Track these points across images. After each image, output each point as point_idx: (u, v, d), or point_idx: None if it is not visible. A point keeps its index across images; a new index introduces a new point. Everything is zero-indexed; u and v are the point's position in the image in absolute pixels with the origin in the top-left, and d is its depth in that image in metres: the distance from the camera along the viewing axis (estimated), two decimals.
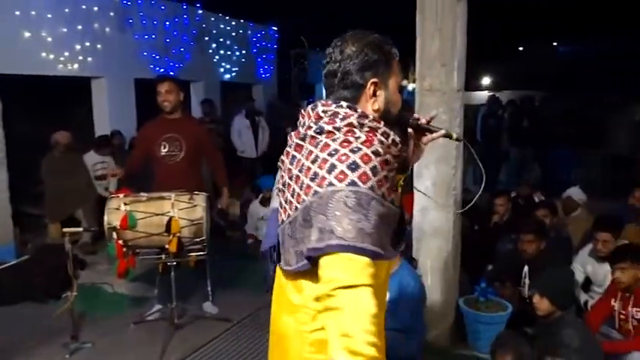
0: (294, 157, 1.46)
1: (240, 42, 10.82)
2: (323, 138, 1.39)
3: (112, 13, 7.45)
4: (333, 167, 1.31)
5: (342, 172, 1.29)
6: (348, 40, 1.43)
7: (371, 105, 1.44)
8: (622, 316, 3.48)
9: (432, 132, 1.56)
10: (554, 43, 27.61)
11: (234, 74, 10.65)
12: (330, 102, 1.44)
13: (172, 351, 3.64)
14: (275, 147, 8.39)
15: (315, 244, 1.27)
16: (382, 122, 1.42)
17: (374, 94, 1.43)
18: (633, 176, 7.75)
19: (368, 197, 1.27)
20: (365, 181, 1.28)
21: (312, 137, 1.42)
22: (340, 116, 1.40)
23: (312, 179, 1.34)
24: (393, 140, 1.42)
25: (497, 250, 4.72)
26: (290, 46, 16.82)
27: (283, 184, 1.49)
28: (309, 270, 1.35)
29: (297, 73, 17.52)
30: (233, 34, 10.59)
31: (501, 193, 5.51)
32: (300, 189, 1.37)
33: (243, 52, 10.97)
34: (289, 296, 1.50)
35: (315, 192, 1.31)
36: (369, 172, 1.29)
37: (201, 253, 3.82)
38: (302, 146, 1.44)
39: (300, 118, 1.51)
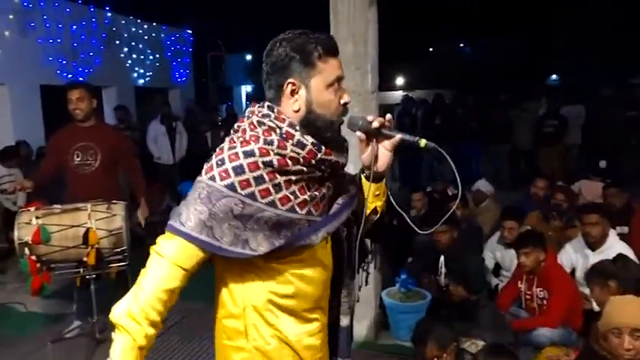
0: None
1: (153, 45, 10.54)
2: (231, 135, 1.47)
3: (11, 16, 7.01)
4: (208, 160, 1.41)
5: (210, 165, 1.39)
6: (275, 42, 1.44)
7: (291, 106, 1.42)
8: (527, 297, 3.79)
9: (389, 137, 1.51)
10: (461, 44, 29.16)
11: (148, 79, 10.35)
12: (257, 103, 1.47)
13: None
14: (194, 152, 8.26)
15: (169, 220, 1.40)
16: (293, 123, 1.41)
17: (292, 95, 1.41)
18: (534, 168, 8.39)
19: (220, 194, 1.35)
20: (223, 179, 1.35)
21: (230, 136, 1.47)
22: (251, 116, 1.44)
23: None
24: (299, 142, 1.39)
25: (416, 243, 4.96)
26: (206, 49, 16.56)
27: None
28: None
29: (214, 77, 17.31)
30: (145, 37, 10.30)
31: (418, 188, 5.77)
32: None
33: (157, 55, 10.70)
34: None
35: None
36: (231, 171, 1.35)
37: (123, 263, 3.71)
38: None
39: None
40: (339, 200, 1.53)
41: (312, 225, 1.45)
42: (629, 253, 3.73)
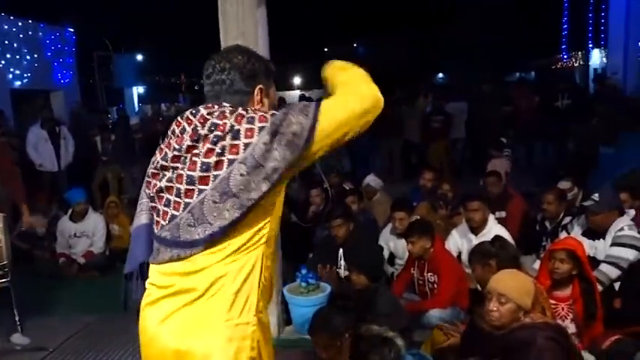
0: (184, 159, 1.48)
1: (30, 45, 9.78)
2: (229, 121, 1.46)
3: None
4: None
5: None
6: (234, 51, 1.60)
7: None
8: (420, 282, 4.03)
9: None
10: (354, 44, 30.12)
11: (26, 80, 9.59)
12: (213, 105, 1.52)
13: None
14: (82, 158, 7.80)
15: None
16: None
17: (261, 100, 1.59)
18: (423, 160, 8.89)
19: None
20: None
21: (206, 136, 1.46)
22: (227, 111, 1.49)
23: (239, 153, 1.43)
24: None
25: (315, 238, 5.07)
26: (92, 48, 15.65)
27: (160, 190, 1.53)
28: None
29: (102, 78, 16.39)
30: (21, 35, 9.53)
31: (315, 184, 5.89)
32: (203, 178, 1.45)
33: (36, 55, 9.94)
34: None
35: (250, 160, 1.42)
36: None
37: (3, 280, 3.43)
38: (196, 146, 1.47)
39: (175, 126, 1.56)
40: None
41: None
42: (506, 234, 4.09)
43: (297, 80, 28.02)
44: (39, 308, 4.42)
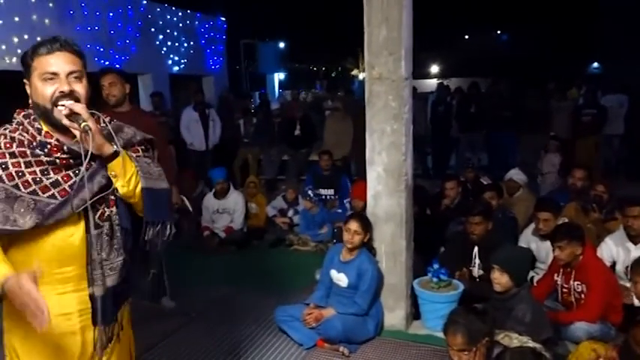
0: None
1: (187, 33, 10.62)
2: None
3: (50, 4, 7.16)
4: None
5: None
6: None
7: (31, 100, 1.72)
8: (565, 290, 3.69)
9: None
10: (498, 32, 28.48)
11: (182, 66, 10.45)
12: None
13: None
14: (227, 139, 8.33)
15: None
16: (30, 113, 1.72)
17: (30, 92, 1.70)
18: (572, 158, 8.13)
19: None
20: None
21: None
22: None
23: None
24: (25, 127, 1.70)
25: (449, 233, 4.88)
26: (239, 37, 16.64)
27: None
28: None
29: (247, 64, 17.39)
30: (180, 25, 10.38)
31: (451, 177, 5.68)
32: None
33: (192, 43, 10.77)
34: None
35: None
36: None
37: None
38: None
39: None
40: (73, 182, 1.67)
41: (58, 202, 1.64)
42: None
43: (434, 68, 27.26)
44: (184, 277, 4.81)
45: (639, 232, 3.73)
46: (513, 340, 2.29)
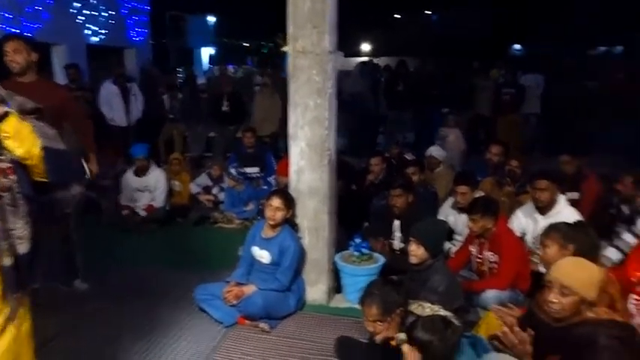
0: None
1: (107, 2, 10.03)
2: None
3: None
4: None
5: None
6: None
7: None
8: (479, 260, 3.84)
9: None
10: (428, 12, 29.05)
11: (102, 37, 9.89)
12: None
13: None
14: (150, 115, 8.01)
15: None
16: None
17: None
18: (491, 135, 8.48)
19: None
20: None
21: None
22: None
23: None
24: None
25: (373, 207, 4.96)
26: (165, 8, 15.93)
27: None
28: None
29: (174, 38, 16.72)
30: None
31: (375, 154, 5.75)
32: None
33: (112, 12, 10.20)
34: None
35: None
36: None
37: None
38: None
39: None
40: None
41: None
42: (577, 217, 3.81)
43: (365, 47, 27.43)
44: (102, 257, 4.60)
45: (546, 204, 3.93)
46: (426, 309, 2.35)
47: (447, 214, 4.56)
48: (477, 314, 3.42)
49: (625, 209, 4.33)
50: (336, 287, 3.97)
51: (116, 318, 3.61)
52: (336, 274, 3.92)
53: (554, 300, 2.18)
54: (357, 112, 9.29)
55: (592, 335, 2.11)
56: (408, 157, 6.31)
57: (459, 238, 4.37)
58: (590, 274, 2.21)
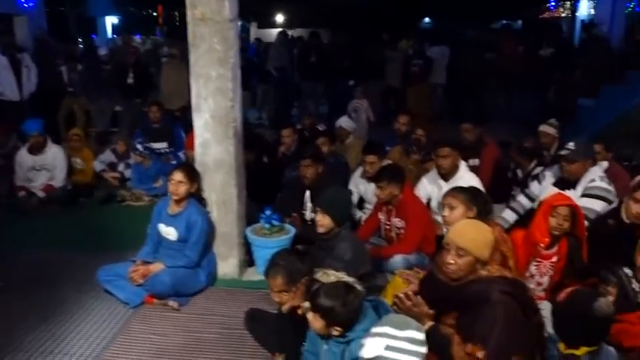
0: None
1: None
2: None
3: None
4: None
5: None
6: None
7: None
8: (387, 226, 3.96)
9: None
10: None
11: None
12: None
13: None
14: (47, 88, 7.44)
15: None
16: None
17: None
18: (402, 105, 8.71)
19: None
20: None
21: None
22: None
23: None
24: None
25: (285, 179, 4.95)
26: None
27: None
28: None
29: (73, 5, 15.50)
30: None
31: (287, 125, 5.71)
32: None
33: None
34: None
35: None
36: None
37: None
38: None
39: None
40: None
41: None
42: (477, 182, 4.02)
43: (279, 18, 27.06)
44: None
45: (448, 171, 4.10)
46: (330, 276, 2.37)
47: (357, 183, 4.64)
48: (386, 278, 3.54)
49: (519, 173, 4.63)
50: (249, 260, 3.94)
51: (16, 304, 3.39)
52: (248, 247, 3.88)
53: (451, 261, 2.29)
54: (281, 86, 9.22)
55: (485, 292, 2.23)
56: (320, 128, 6.34)
57: (369, 207, 4.46)
58: (483, 236, 2.33)
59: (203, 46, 3.44)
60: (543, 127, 4.79)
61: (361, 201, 4.68)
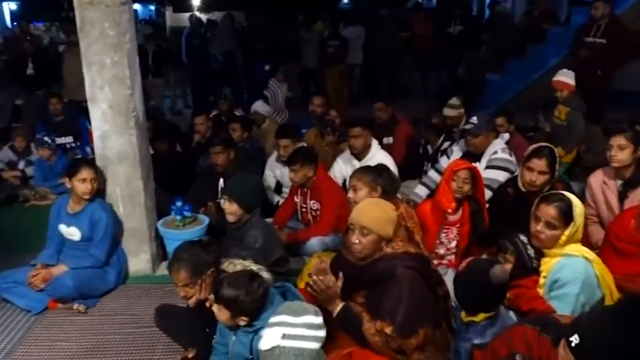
0: None
1: None
2: None
3: None
4: None
5: None
6: None
7: None
8: (303, 209, 3.95)
9: None
10: None
11: None
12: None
13: None
14: None
15: None
16: None
17: None
18: (320, 87, 8.72)
19: None
20: None
21: None
22: None
23: None
24: None
25: (198, 168, 4.81)
26: None
27: None
28: None
29: None
30: None
31: (200, 112, 5.54)
32: None
33: None
34: None
35: None
36: None
37: None
38: None
39: None
40: None
41: None
42: (389, 160, 4.09)
43: (196, 1, 26.22)
44: None
45: (361, 150, 4.14)
46: (237, 266, 2.32)
47: (273, 167, 4.59)
48: (304, 262, 3.53)
49: (430, 149, 4.75)
50: (163, 254, 3.80)
51: None
52: (161, 240, 3.74)
53: (356, 241, 2.30)
54: (198, 72, 8.94)
55: (390, 268, 2.27)
56: (238, 113, 6.20)
57: (287, 191, 4.43)
58: (385, 213, 2.35)
59: (94, 32, 3.22)
60: (445, 111, 4.83)
61: (279, 185, 4.64)
